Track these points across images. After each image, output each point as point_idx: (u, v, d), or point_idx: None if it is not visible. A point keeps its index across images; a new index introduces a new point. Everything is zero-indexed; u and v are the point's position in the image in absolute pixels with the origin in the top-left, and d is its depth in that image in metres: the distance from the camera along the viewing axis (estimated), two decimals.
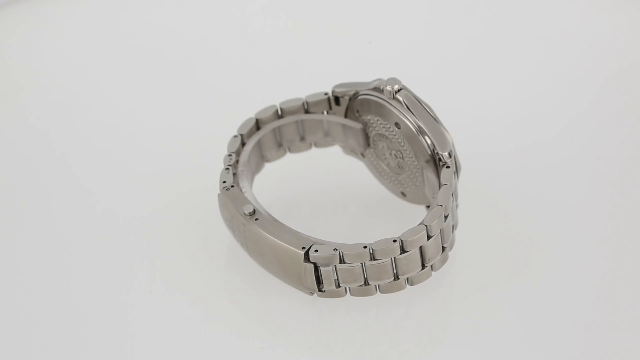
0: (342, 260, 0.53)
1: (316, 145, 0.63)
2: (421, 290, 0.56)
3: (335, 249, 0.52)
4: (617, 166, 0.66)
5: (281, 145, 0.62)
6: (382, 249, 0.52)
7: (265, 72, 0.76)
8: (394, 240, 0.52)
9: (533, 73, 0.75)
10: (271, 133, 0.61)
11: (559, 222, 0.61)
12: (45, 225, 0.63)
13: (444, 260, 0.55)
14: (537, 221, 0.61)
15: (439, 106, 0.58)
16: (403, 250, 0.52)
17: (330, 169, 0.66)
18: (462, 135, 0.62)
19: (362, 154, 0.62)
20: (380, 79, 0.58)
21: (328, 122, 0.61)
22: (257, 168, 0.62)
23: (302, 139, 0.62)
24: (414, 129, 0.57)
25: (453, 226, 0.56)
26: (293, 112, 0.61)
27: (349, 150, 0.63)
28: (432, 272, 0.55)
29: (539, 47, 0.78)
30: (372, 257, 0.52)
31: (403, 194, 0.61)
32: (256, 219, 0.54)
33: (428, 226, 0.52)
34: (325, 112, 0.62)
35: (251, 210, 0.55)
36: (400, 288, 0.54)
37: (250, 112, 0.61)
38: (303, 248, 0.53)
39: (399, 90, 0.57)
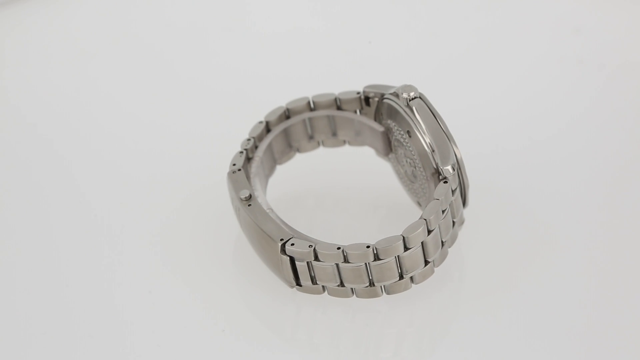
0: (316, 258, 0.53)
1: (349, 143, 0.63)
2: (411, 293, 0.55)
3: (310, 245, 0.53)
4: (620, 165, 0.64)
5: (312, 137, 0.63)
6: (354, 253, 0.52)
7: (269, 74, 0.77)
8: (368, 246, 0.52)
9: (534, 72, 0.74)
10: (301, 123, 0.62)
11: (562, 223, 0.60)
12: (45, 224, 0.64)
13: (427, 274, 0.54)
14: (540, 222, 0.60)
15: (442, 106, 0.57)
16: (377, 258, 0.52)
17: (368, 169, 0.66)
18: (463, 136, 0.60)
19: (388, 158, 0.62)
20: (403, 85, 0.57)
21: (358, 122, 0.61)
22: (282, 156, 0.62)
23: (334, 134, 0.63)
24: (422, 140, 0.56)
25: (444, 242, 0.55)
26: (325, 106, 0.61)
27: (378, 152, 0.63)
28: (412, 284, 0.54)
29: (539, 47, 0.77)
30: (346, 260, 0.52)
31: (419, 204, 0.61)
32: (249, 205, 0.56)
33: (406, 237, 0.52)
34: (357, 112, 0.62)
35: (247, 195, 0.56)
36: (376, 295, 0.54)
37: (255, 115, 0.62)
38: (281, 240, 0.53)
39: (413, 99, 0.56)
